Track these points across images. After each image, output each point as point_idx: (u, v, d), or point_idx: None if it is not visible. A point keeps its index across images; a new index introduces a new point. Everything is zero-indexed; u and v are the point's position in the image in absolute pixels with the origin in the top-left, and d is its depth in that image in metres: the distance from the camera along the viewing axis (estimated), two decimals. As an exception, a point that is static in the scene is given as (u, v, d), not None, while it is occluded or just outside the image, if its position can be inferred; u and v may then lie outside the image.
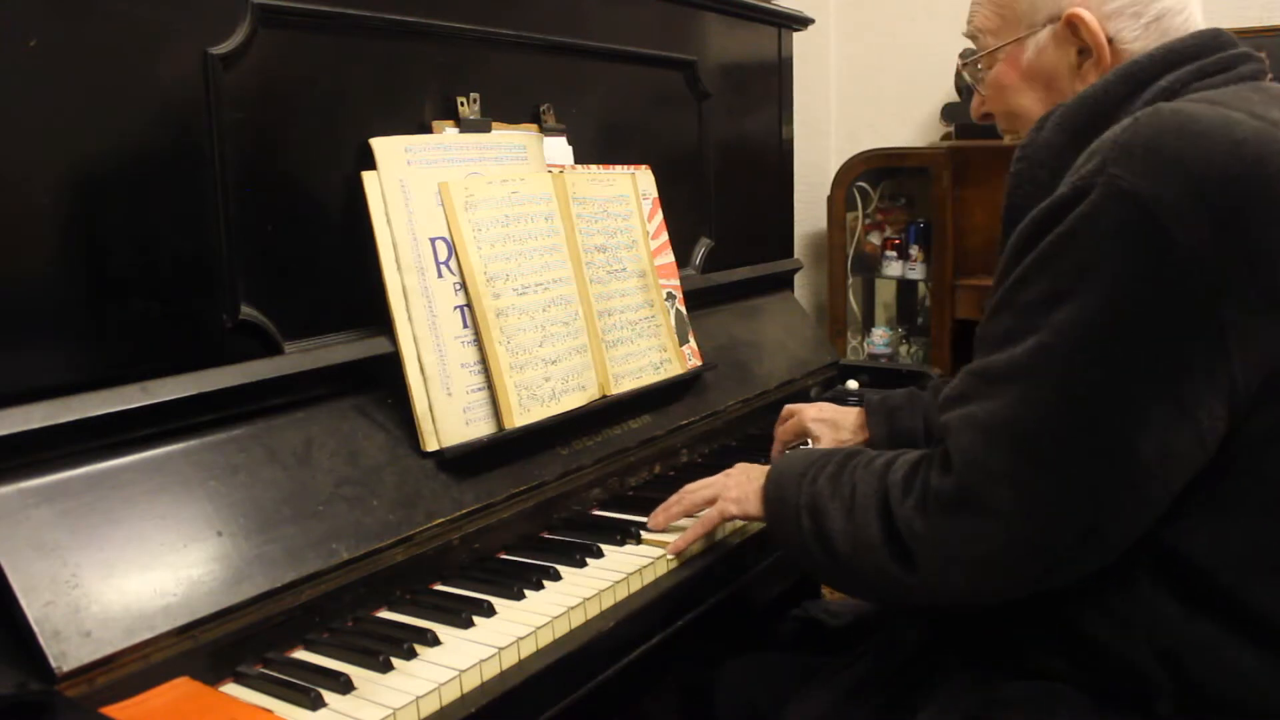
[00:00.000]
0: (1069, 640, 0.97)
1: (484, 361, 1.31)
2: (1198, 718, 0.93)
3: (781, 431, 1.58)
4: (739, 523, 1.35)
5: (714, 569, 1.27)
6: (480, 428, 1.30)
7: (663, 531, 1.31)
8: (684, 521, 1.31)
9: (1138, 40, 1.04)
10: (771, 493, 1.16)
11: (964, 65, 1.19)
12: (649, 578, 1.21)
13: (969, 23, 1.16)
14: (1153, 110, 0.91)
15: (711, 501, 1.27)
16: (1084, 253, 0.88)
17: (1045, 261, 0.91)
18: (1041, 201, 0.95)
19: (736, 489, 1.25)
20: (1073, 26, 1.05)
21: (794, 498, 1.11)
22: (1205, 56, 1.00)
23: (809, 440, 1.53)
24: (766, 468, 1.23)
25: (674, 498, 1.32)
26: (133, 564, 0.96)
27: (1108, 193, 0.87)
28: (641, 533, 1.30)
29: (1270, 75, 1.04)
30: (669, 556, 1.24)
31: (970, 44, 1.18)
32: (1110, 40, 1.04)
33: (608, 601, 1.15)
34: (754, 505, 1.21)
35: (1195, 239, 0.84)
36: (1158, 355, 0.86)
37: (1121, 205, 0.86)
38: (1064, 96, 1.07)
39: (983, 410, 0.93)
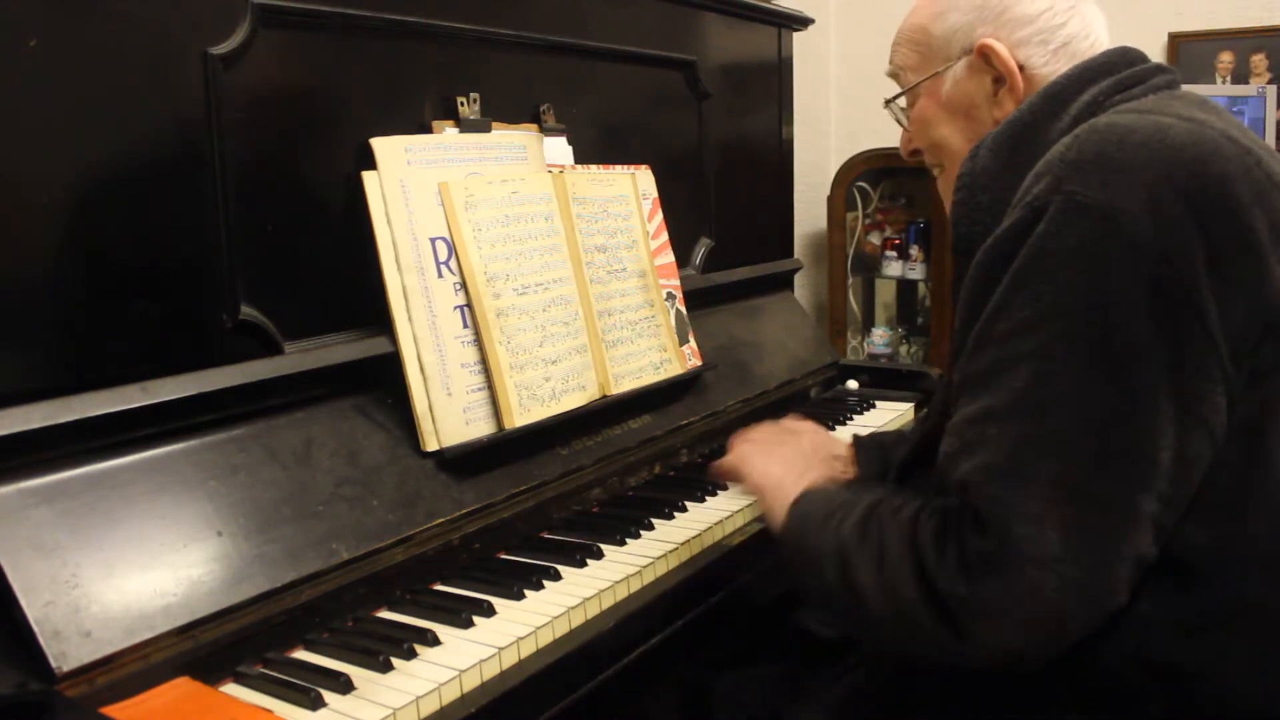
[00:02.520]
0: (1061, 655, 0.97)
1: (484, 361, 1.31)
2: None
3: None
4: (740, 523, 1.35)
5: (714, 569, 1.27)
6: (480, 428, 1.30)
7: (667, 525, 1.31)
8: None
9: (1048, 65, 1.09)
10: (792, 529, 1.10)
11: (888, 104, 1.23)
12: (649, 578, 1.21)
13: (890, 63, 1.20)
14: (1089, 127, 0.94)
15: (747, 488, 1.24)
16: (1055, 271, 0.89)
17: (1018, 287, 0.91)
18: (986, 227, 0.97)
19: (768, 497, 1.17)
20: (985, 57, 1.09)
21: (817, 545, 1.04)
22: (1119, 71, 1.04)
23: None
24: (808, 469, 1.19)
25: (733, 453, 1.29)
26: (133, 564, 0.96)
27: (1066, 208, 0.89)
28: (641, 532, 1.30)
29: (1182, 85, 1.08)
30: (668, 556, 1.22)
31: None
32: (1022, 67, 1.08)
33: (608, 601, 1.15)
34: (776, 523, 1.14)
35: (1161, 242, 0.86)
36: (1155, 361, 0.86)
37: (1083, 219, 0.88)
38: (983, 124, 1.11)
39: (999, 456, 0.89)
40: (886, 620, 0.97)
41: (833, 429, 1.79)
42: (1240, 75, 2.92)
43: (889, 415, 1.90)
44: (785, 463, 1.23)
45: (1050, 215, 0.89)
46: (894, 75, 1.20)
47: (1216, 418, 0.87)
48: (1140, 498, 0.86)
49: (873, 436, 1.48)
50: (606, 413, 1.49)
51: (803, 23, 2.17)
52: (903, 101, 1.20)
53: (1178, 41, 2.94)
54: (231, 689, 0.98)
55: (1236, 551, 0.90)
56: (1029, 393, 0.88)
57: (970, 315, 0.96)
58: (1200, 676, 0.91)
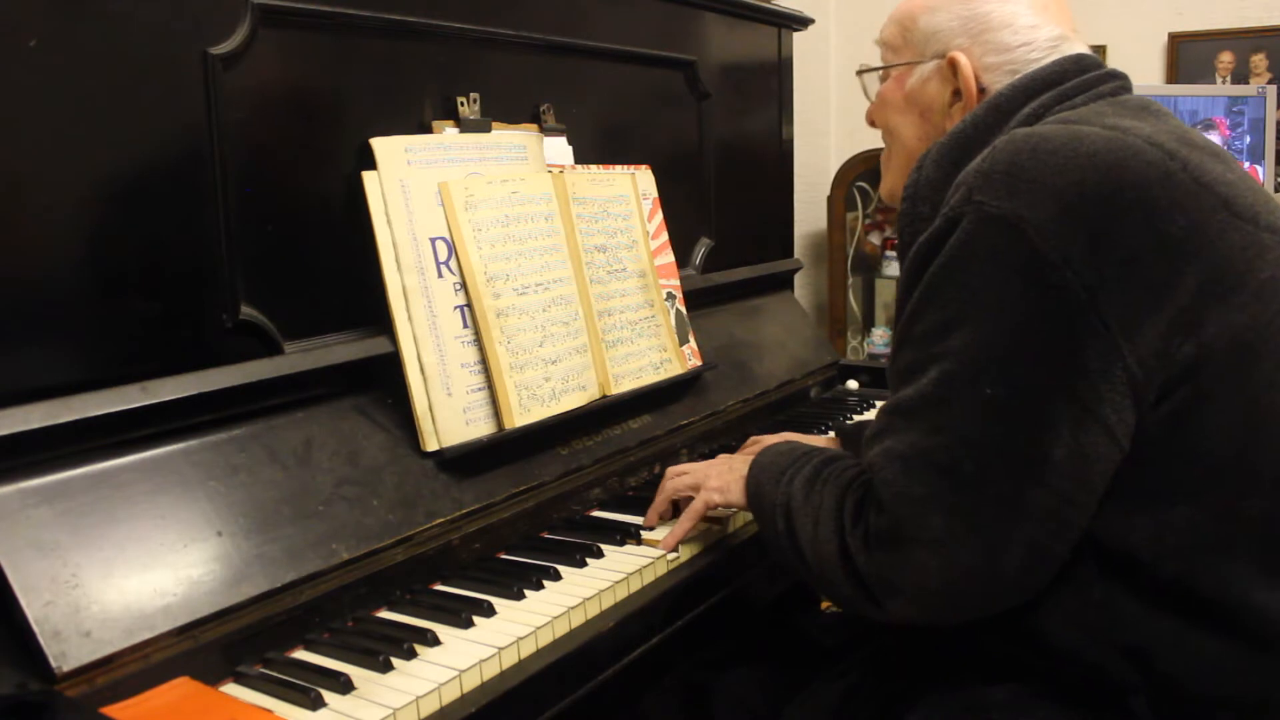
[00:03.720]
0: (1039, 647, 0.99)
1: (484, 361, 1.31)
2: (1172, 709, 0.94)
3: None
4: (740, 522, 1.35)
5: (714, 569, 1.27)
6: (480, 428, 1.30)
7: (661, 527, 1.31)
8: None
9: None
10: (751, 487, 1.18)
11: (861, 73, 1.26)
12: (649, 578, 1.21)
13: (880, 32, 1.22)
14: (1007, 138, 0.97)
15: (694, 488, 1.28)
16: (965, 278, 0.93)
17: (931, 293, 0.96)
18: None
19: (718, 478, 1.26)
20: (953, 67, 1.12)
21: (771, 495, 1.13)
22: (1066, 81, 1.07)
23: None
24: (749, 458, 1.24)
25: (659, 492, 1.33)
26: (133, 564, 0.96)
27: (976, 218, 0.93)
28: (642, 533, 1.30)
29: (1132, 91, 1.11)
30: (667, 556, 1.24)
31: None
32: (982, 90, 1.11)
33: (608, 601, 1.15)
34: (737, 494, 1.23)
35: (1065, 250, 0.89)
36: (1052, 364, 0.90)
37: (991, 228, 0.92)
38: (934, 128, 1.15)
39: (900, 443, 0.96)
40: (815, 573, 1.06)
41: (832, 429, 1.80)
42: (1240, 75, 2.92)
43: (889, 415, 1.90)
44: (721, 458, 1.33)
45: (962, 225, 0.94)
46: (879, 45, 1.23)
47: (1117, 416, 0.90)
48: (1029, 490, 0.91)
49: (856, 426, 1.52)
50: (606, 413, 1.49)
51: (803, 23, 2.17)
52: (879, 73, 1.23)
53: (1178, 41, 2.94)
54: (231, 689, 0.98)
55: (1178, 537, 0.93)
56: (934, 389, 0.94)
57: (899, 316, 1.02)
58: (1171, 662, 0.93)
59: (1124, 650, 0.94)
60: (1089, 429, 0.90)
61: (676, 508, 1.33)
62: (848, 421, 1.85)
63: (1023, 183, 0.91)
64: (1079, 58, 1.09)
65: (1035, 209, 0.90)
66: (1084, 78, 1.07)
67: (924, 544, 0.93)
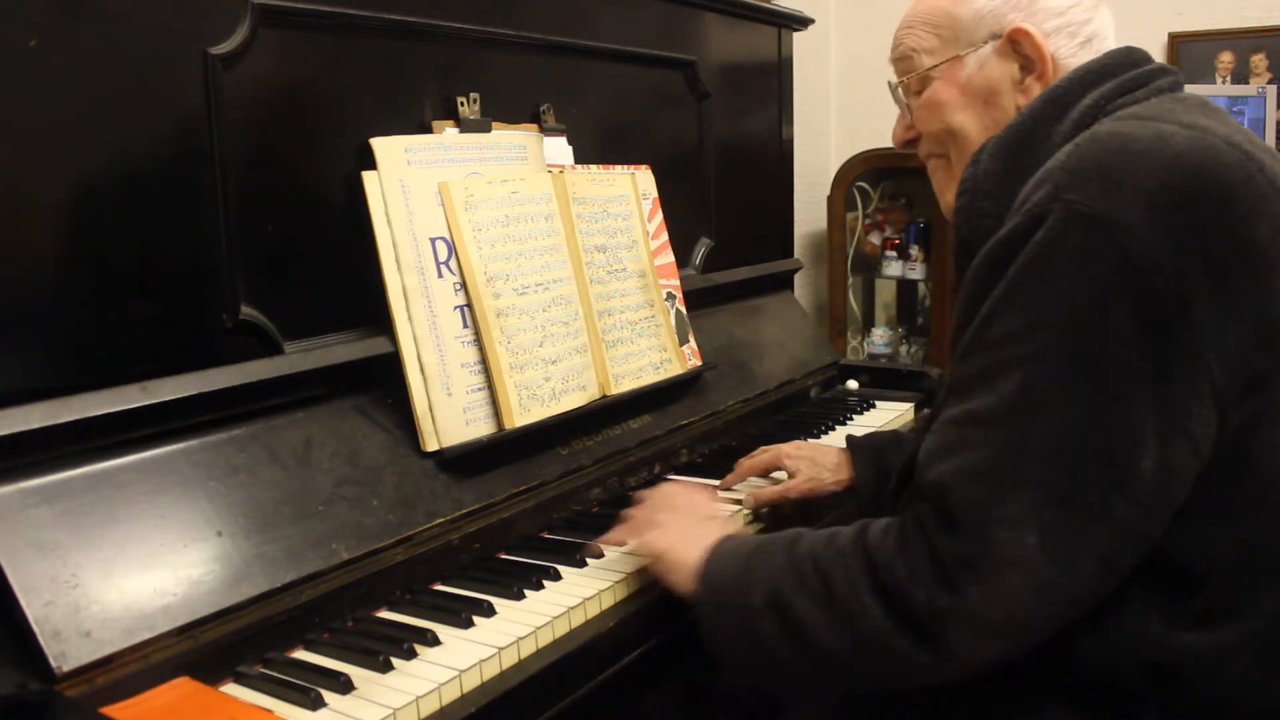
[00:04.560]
0: (1055, 656, 0.96)
1: (484, 361, 1.31)
2: (1186, 717, 0.93)
3: (752, 464, 1.49)
4: (739, 523, 1.35)
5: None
6: (480, 428, 1.30)
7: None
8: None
9: (1074, 57, 1.08)
10: (706, 597, 1.05)
11: (896, 87, 1.20)
12: (650, 577, 1.21)
13: (899, 45, 1.17)
14: (1090, 135, 0.94)
15: (650, 555, 1.15)
16: (1050, 279, 0.89)
17: (1012, 293, 0.91)
18: (989, 232, 0.96)
19: (675, 569, 1.10)
20: (1015, 42, 1.08)
21: (742, 601, 1.01)
22: (1123, 73, 1.04)
23: (781, 475, 1.48)
24: (713, 529, 1.13)
25: (629, 522, 1.22)
26: (133, 564, 0.96)
27: (1066, 217, 0.88)
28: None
29: (1185, 87, 1.07)
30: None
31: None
32: (1051, 56, 1.07)
33: (608, 601, 1.15)
34: (686, 587, 1.08)
35: (1155, 253, 0.86)
36: (1140, 372, 0.86)
37: (1080, 228, 0.88)
38: (1004, 112, 1.10)
39: (980, 458, 0.89)
40: (844, 655, 0.94)
41: (832, 429, 1.80)
42: (1240, 75, 2.92)
43: (889, 415, 1.90)
44: (684, 520, 1.18)
45: (1049, 223, 0.89)
46: (903, 59, 1.17)
47: (1202, 429, 0.87)
48: (1116, 503, 0.87)
49: (867, 437, 1.48)
50: (606, 413, 1.49)
51: (803, 23, 2.17)
52: (913, 85, 1.17)
53: (1178, 41, 2.94)
54: (231, 689, 0.98)
55: (1228, 555, 0.91)
56: (1015, 398, 0.89)
57: (966, 318, 0.96)
58: (1196, 678, 0.91)
59: (1146, 664, 0.92)
60: (1175, 441, 0.86)
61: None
62: (850, 420, 1.85)
63: (1113, 183, 0.88)
64: (1129, 50, 1.06)
65: (1127, 210, 0.86)
66: (1141, 70, 1.04)
67: (1017, 566, 0.86)
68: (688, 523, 1.17)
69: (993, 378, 0.91)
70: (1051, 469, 0.87)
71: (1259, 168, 0.91)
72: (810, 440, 1.63)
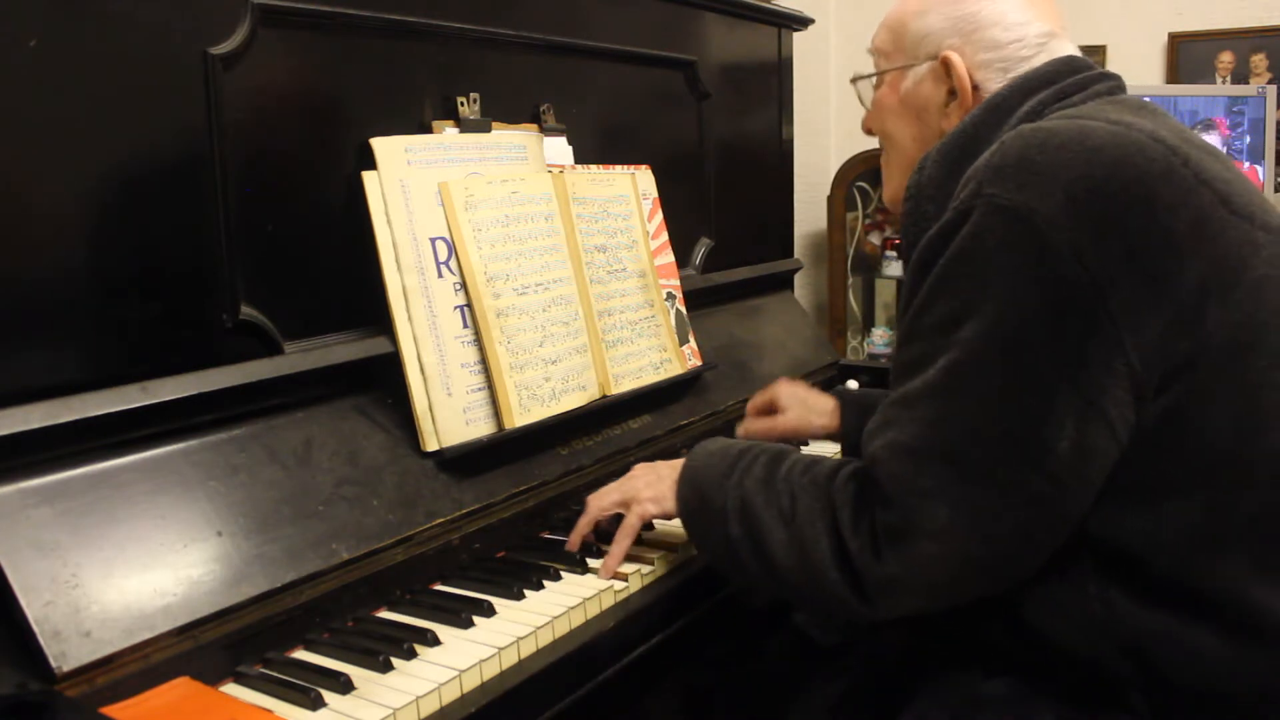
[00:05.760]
0: (1036, 644, 0.99)
1: (484, 361, 1.31)
2: (1169, 705, 0.94)
3: (752, 404, 1.60)
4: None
5: (713, 569, 1.27)
6: (480, 428, 1.30)
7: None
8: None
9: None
10: (687, 491, 1.13)
11: (855, 80, 1.27)
12: (650, 577, 1.21)
13: (872, 40, 1.23)
14: (1015, 132, 0.98)
15: (624, 505, 1.22)
16: (975, 269, 0.94)
17: (941, 285, 0.96)
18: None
19: (649, 489, 1.21)
20: (946, 67, 1.12)
21: (716, 500, 1.08)
22: (1061, 80, 1.08)
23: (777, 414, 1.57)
24: (673, 462, 1.20)
25: (583, 514, 1.26)
26: (133, 564, 0.96)
27: (987, 210, 0.93)
28: (643, 533, 1.29)
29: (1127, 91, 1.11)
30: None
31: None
32: (976, 88, 1.12)
33: (608, 601, 1.15)
34: (672, 503, 1.17)
35: (1073, 242, 0.89)
36: (1057, 355, 0.90)
37: (1001, 220, 0.92)
38: (930, 130, 1.16)
39: (905, 434, 0.95)
40: (793, 574, 1.02)
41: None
42: (1240, 75, 2.92)
43: (889, 415, 1.89)
44: (643, 467, 1.26)
45: (973, 218, 0.94)
46: (871, 53, 1.24)
47: (1117, 410, 0.91)
48: (1030, 479, 0.91)
49: (858, 393, 1.56)
50: (606, 413, 1.49)
51: (803, 23, 2.17)
52: (873, 80, 1.24)
53: (1178, 41, 2.94)
54: (231, 689, 0.98)
55: (1172, 534, 0.93)
56: (939, 380, 0.94)
57: (906, 309, 1.02)
58: (1167, 658, 0.93)
59: (1121, 647, 0.94)
60: (1091, 421, 0.90)
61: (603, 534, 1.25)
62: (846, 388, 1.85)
63: (1032, 175, 0.92)
64: (1070, 59, 1.10)
65: (1045, 201, 0.90)
66: (1080, 76, 1.08)
67: (930, 536, 0.92)
68: (638, 472, 1.25)
69: (922, 363, 0.96)
70: (968, 445, 0.92)
71: (1183, 161, 0.94)
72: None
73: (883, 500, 0.95)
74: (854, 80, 1.28)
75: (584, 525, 1.25)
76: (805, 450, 1.49)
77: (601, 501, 1.24)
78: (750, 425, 1.56)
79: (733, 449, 1.13)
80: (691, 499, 1.13)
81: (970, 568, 0.94)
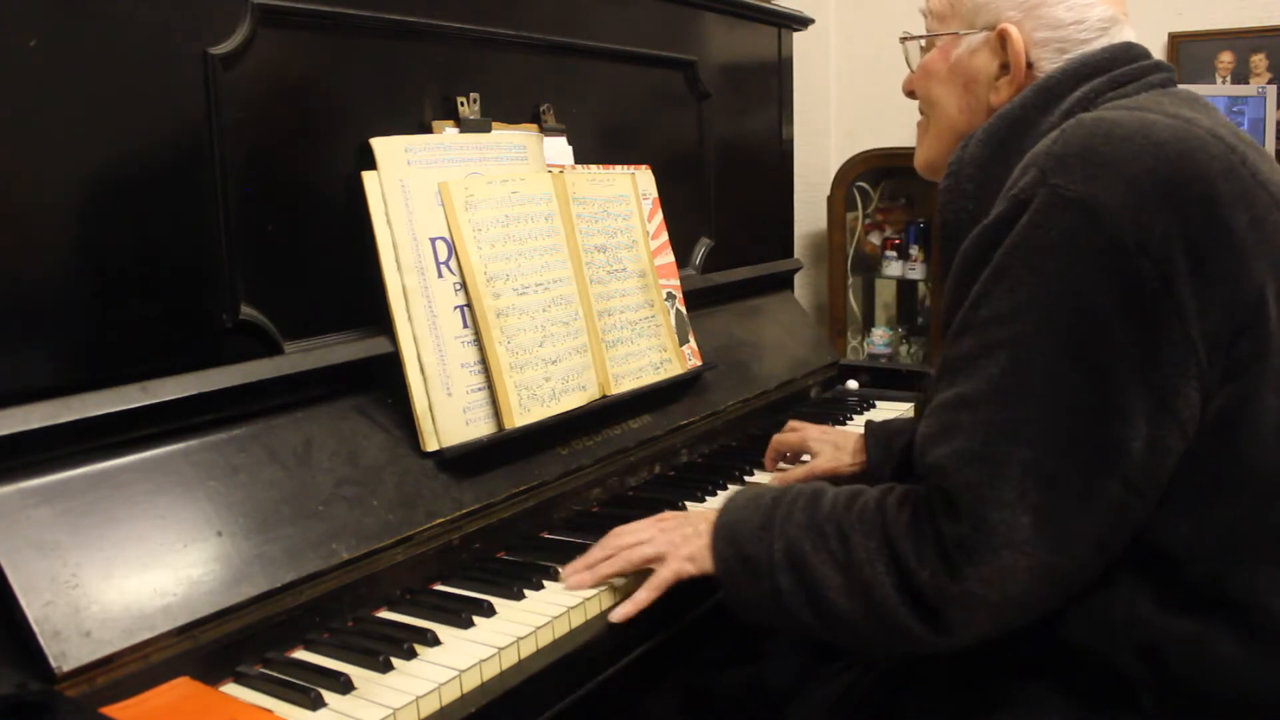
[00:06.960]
0: (1049, 642, 0.98)
1: (484, 361, 1.31)
2: (1180, 708, 0.93)
3: (780, 442, 1.56)
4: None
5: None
6: (480, 428, 1.30)
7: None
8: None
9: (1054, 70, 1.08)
10: (724, 548, 1.06)
11: (904, 40, 1.22)
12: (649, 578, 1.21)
13: (925, 2, 1.19)
14: (1076, 122, 0.95)
15: (657, 560, 1.12)
16: (1037, 261, 0.90)
17: (999, 276, 0.93)
18: (970, 215, 0.99)
19: (685, 545, 1.11)
20: (1002, 39, 1.09)
21: (762, 554, 1.02)
22: (1116, 68, 1.04)
23: (807, 457, 1.56)
24: (705, 514, 1.13)
25: (602, 551, 1.16)
26: (133, 564, 0.96)
27: (1051, 201, 0.90)
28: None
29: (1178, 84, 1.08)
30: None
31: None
32: (1030, 65, 1.08)
33: (608, 601, 1.15)
34: (709, 561, 1.09)
35: (1141, 237, 0.87)
36: (1129, 353, 0.88)
37: (1066, 212, 0.89)
38: (977, 101, 1.12)
39: (974, 440, 0.91)
40: (855, 619, 0.97)
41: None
42: (1240, 75, 2.92)
43: (889, 415, 1.90)
44: (673, 519, 1.17)
45: (1034, 207, 0.91)
46: (924, 14, 1.20)
47: (1188, 411, 0.89)
48: (1107, 484, 0.88)
49: (884, 423, 1.52)
50: (606, 413, 1.49)
51: (803, 23, 2.17)
52: (921, 42, 1.19)
53: (1178, 41, 2.94)
54: (231, 689, 0.98)
55: (1209, 539, 0.92)
56: (1004, 380, 0.90)
57: (955, 301, 0.98)
58: (1184, 662, 0.92)
59: (1138, 648, 0.93)
60: (1164, 422, 0.88)
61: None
62: (850, 420, 1.85)
63: (1097, 167, 0.89)
64: (1129, 45, 1.07)
65: (1110, 194, 0.88)
66: (1134, 66, 1.05)
67: (1011, 547, 0.87)
68: (671, 522, 1.17)
69: (981, 360, 0.92)
70: (1042, 450, 0.88)
71: (1241, 160, 0.92)
72: (836, 427, 1.69)
73: (951, 513, 0.90)
74: (903, 40, 1.23)
75: (609, 573, 1.14)
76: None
77: (633, 555, 1.14)
78: (787, 474, 1.51)
79: (765, 497, 1.07)
80: (730, 556, 1.05)
81: (1048, 579, 0.90)
